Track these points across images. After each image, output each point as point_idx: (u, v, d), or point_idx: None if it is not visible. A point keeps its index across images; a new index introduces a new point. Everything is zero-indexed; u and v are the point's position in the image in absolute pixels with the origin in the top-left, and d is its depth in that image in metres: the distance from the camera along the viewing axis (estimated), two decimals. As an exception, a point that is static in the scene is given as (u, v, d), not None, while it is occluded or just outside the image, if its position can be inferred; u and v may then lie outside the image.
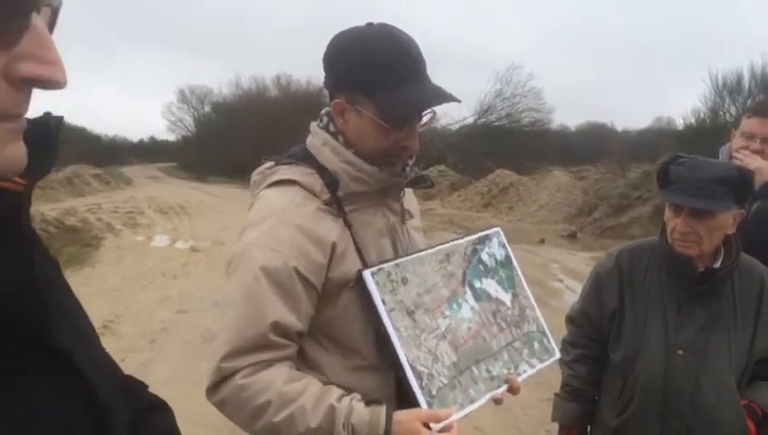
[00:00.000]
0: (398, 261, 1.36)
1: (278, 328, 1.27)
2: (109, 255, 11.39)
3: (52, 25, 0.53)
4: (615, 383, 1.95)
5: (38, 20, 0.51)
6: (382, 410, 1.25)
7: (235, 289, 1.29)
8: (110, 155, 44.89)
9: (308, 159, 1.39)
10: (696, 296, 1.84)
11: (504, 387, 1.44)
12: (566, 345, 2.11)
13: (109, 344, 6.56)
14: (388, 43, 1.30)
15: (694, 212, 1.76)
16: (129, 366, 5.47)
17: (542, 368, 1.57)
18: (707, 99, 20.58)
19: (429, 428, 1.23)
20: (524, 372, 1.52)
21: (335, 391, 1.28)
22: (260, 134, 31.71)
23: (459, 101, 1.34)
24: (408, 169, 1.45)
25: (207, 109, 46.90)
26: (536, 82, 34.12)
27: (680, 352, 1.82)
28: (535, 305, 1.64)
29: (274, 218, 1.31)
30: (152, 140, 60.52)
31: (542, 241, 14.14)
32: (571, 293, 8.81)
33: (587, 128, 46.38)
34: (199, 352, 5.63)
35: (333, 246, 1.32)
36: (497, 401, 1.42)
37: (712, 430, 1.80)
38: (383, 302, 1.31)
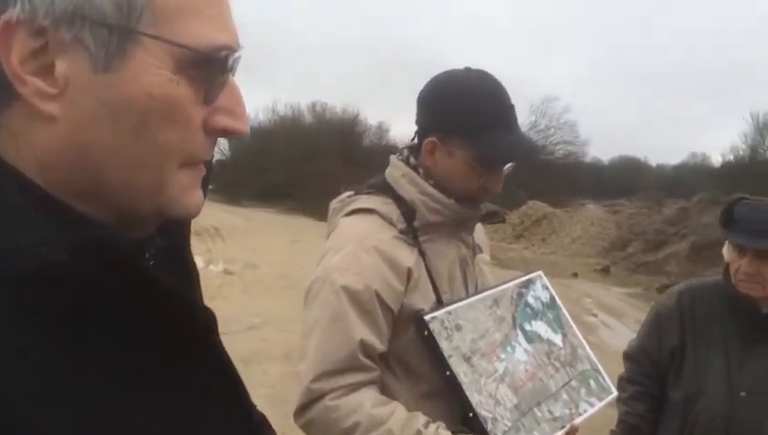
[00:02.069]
0: (449, 308, 1.39)
1: (365, 348, 1.31)
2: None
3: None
4: (673, 422, 1.94)
5: (231, 76, 0.57)
6: None
7: (319, 312, 1.34)
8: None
9: (386, 189, 1.45)
10: (759, 338, 1.84)
11: (564, 431, 1.44)
12: (623, 382, 2.11)
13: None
14: (489, 90, 1.40)
15: (759, 253, 1.77)
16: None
17: (601, 406, 1.57)
18: (747, 136, 20.33)
19: None
20: (585, 411, 1.52)
21: (422, 418, 1.31)
22: (294, 160, 32.08)
23: (543, 155, 1.42)
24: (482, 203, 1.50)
25: (243, 133, 47.56)
26: (571, 114, 34.03)
27: (743, 393, 1.81)
28: (585, 343, 1.64)
29: (355, 244, 1.36)
30: (187, 162, 61.53)
31: (576, 275, 14.01)
32: (606, 328, 8.72)
33: (620, 162, 45.96)
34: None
35: (410, 273, 1.37)
36: None
37: (774, 475, 1.79)
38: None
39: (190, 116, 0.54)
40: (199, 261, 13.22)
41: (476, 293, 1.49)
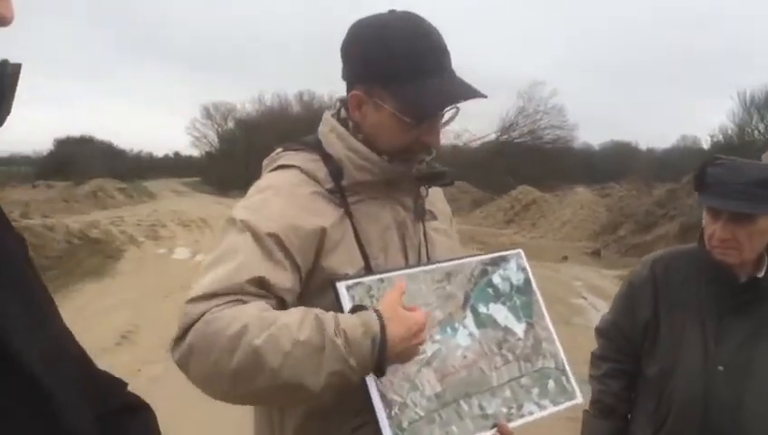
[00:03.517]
0: (382, 276, 1.23)
1: (262, 283, 1.14)
2: (130, 266, 11.46)
3: None
4: (649, 400, 1.83)
5: None
6: (371, 310, 1.12)
7: (221, 250, 1.19)
8: (135, 170, 45.30)
9: (316, 146, 1.33)
10: (737, 308, 1.71)
11: (492, 431, 1.27)
12: (596, 359, 1.99)
13: (126, 355, 6.49)
14: (411, 33, 1.25)
15: (733, 217, 1.65)
16: (145, 376, 5.42)
17: (555, 412, 1.38)
18: (735, 115, 20.20)
19: None
20: (530, 413, 1.33)
21: (316, 309, 1.14)
22: (282, 150, 31.86)
23: (485, 97, 1.28)
24: (423, 163, 1.36)
25: (231, 125, 47.42)
26: (558, 98, 33.91)
27: (720, 367, 1.70)
28: (556, 339, 1.44)
29: (269, 192, 1.25)
30: (176, 155, 60.97)
31: (566, 258, 13.95)
32: (595, 310, 8.65)
33: (611, 146, 45.91)
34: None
35: (324, 232, 1.23)
36: None
37: (756, 451, 1.68)
38: None
39: None
40: (186, 252, 13.22)
41: (422, 263, 1.35)
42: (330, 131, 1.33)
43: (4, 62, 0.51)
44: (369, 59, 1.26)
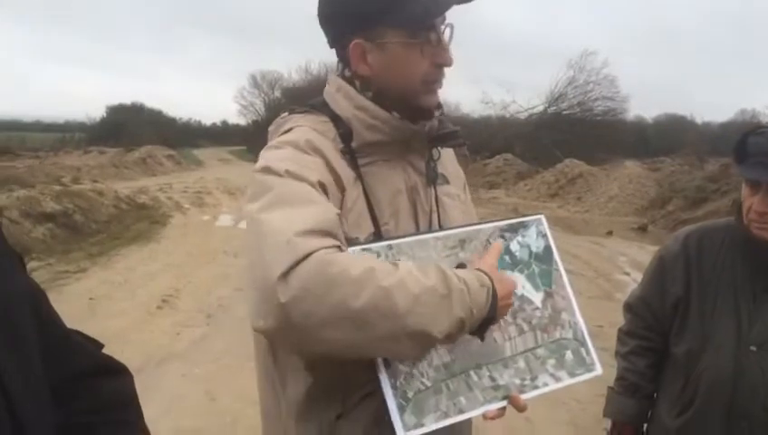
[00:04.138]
0: (391, 242, 1.17)
1: (338, 221, 1.09)
2: (175, 232, 11.70)
3: None
4: (676, 379, 1.76)
5: None
6: (473, 268, 1.16)
7: (272, 194, 1.08)
8: (184, 137, 45.89)
9: (324, 108, 1.28)
10: (774, 287, 1.62)
11: (503, 403, 1.21)
12: (623, 336, 1.93)
13: (166, 318, 6.59)
14: None
15: (774, 189, 1.55)
16: (184, 340, 5.55)
17: (571, 384, 1.32)
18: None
19: None
20: (545, 385, 1.27)
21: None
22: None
23: None
24: (433, 122, 1.30)
25: (277, 94, 47.57)
26: (611, 69, 32.68)
27: (753, 348, 1.61)
28: (577, 309, 1.37)
29: (291, 147, 1.18)
30: (224, 123, 61.32)
31: (611, 233, 13.65)
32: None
33: (665, 119, 44.37)
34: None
35: (344, 190, 1.19)
36: (488, 418, 1.20)
37: (787, 437, 1.59)
38: None
39: None
40: (229, 219, 13.44)
41: (432, 229, 1.29)
42: (336, 91, 1.28)
43: None
44: (352, 6, 1.21)
